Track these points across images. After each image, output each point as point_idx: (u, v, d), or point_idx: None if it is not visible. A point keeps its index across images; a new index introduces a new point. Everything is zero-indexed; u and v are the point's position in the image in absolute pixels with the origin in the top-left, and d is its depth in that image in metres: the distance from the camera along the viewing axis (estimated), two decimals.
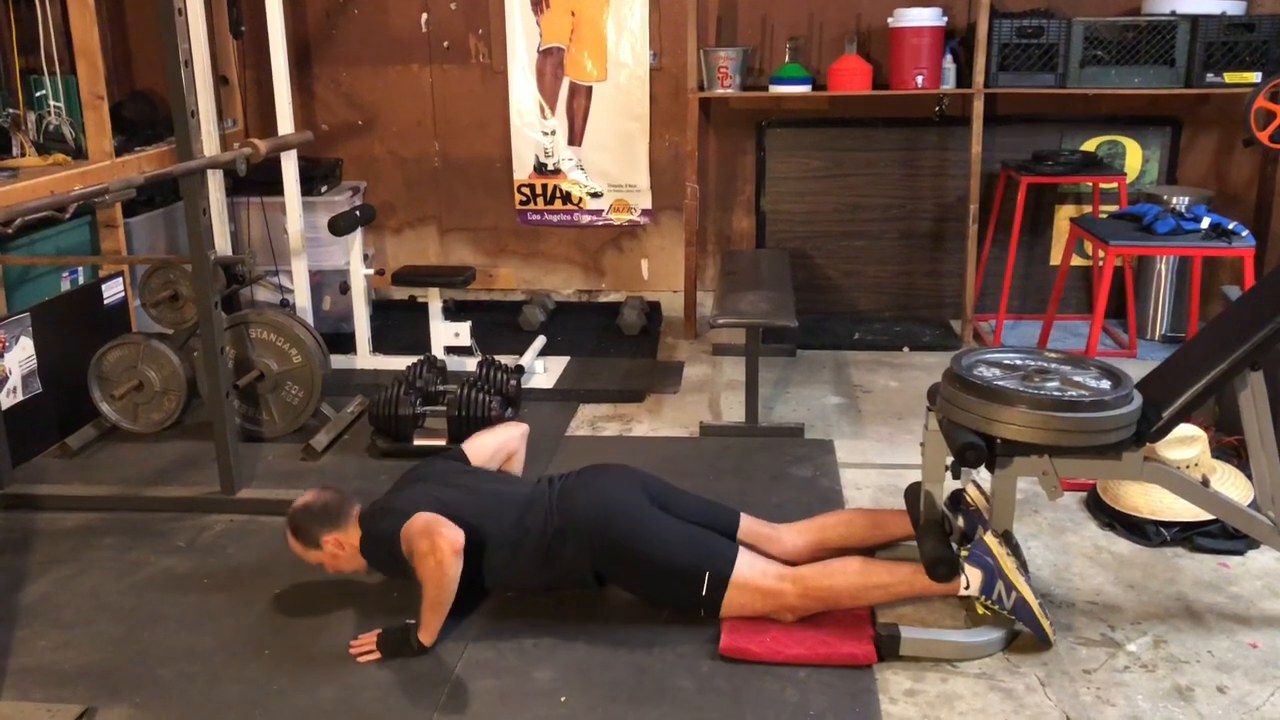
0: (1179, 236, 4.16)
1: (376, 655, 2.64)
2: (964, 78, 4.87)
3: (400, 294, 5.50)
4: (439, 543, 2.58)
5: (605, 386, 4.45)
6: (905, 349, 4.91)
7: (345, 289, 4.77)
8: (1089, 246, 4.92)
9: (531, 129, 5.44)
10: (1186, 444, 3.14)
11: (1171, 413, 2.61)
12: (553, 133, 5.44)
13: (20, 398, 3.76)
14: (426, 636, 2.65)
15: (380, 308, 5.44)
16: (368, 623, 2.79)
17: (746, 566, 2.67)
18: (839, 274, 5.43)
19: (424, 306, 4.55)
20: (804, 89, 4.93)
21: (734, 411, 4.17)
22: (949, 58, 4.86)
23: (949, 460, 2.67)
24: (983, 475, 2.81)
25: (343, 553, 2.81)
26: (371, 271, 4.72)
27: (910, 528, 2.86)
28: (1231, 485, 3.18)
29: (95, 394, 3.95)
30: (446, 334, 4.52)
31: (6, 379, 3.69)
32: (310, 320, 4.30)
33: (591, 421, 4.17)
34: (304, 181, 4.52)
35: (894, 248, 5.36)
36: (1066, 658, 2.59)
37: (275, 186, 4.46)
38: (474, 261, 5.62)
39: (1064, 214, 5.23)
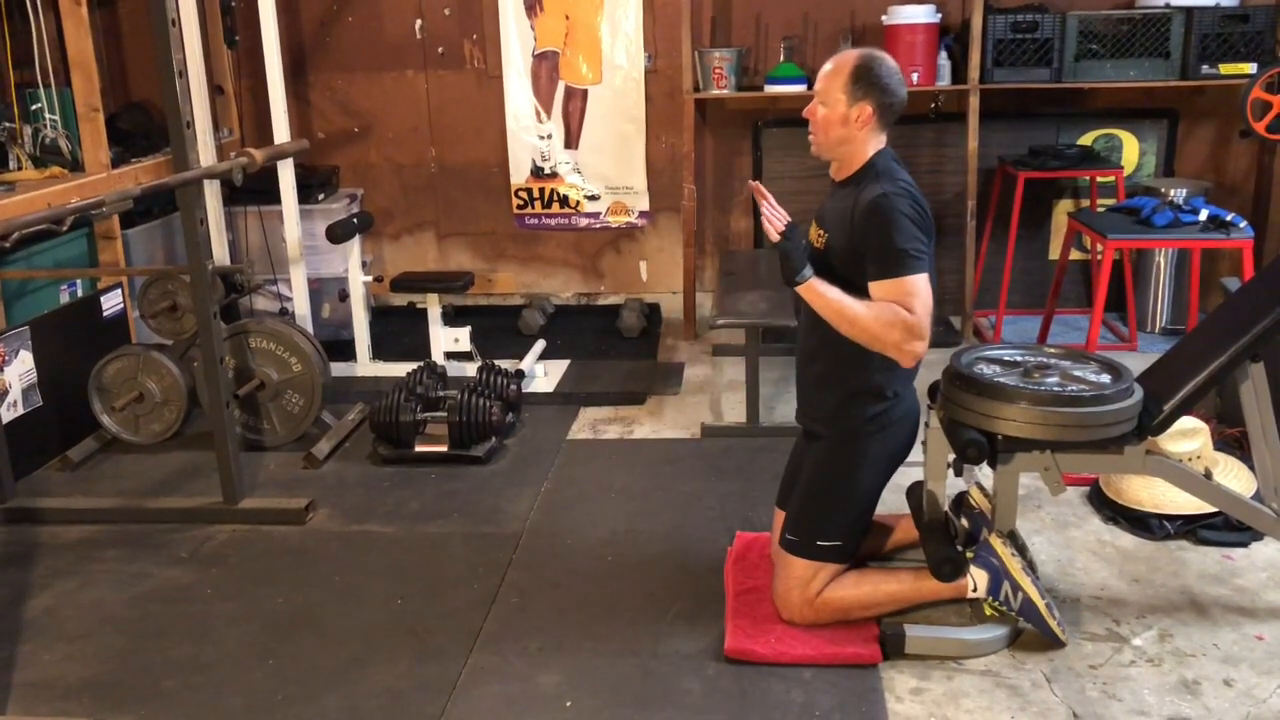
0: (1177, 229, 4.16)
1: (776, 235, 2.50)
2: (959, 74, 4.87)
3: (399, 300, 5.51)
4: (918, 347, 2.46)
5: (606, 389, 4.45)
6: None
7: (344, 296, 4.76)
8: (1087, 240, 4.92)
9: (528, 133, 5.44)
10: (1188, 437, 3.14)
11: (1173, 406, 2.60)
12: (549, 136, 5.44)
13: (21, 411, 3.76)
14: (808, 293, 2.50)
15: (379, 314, 5.44)
16: (371, 633, 2.79)
17: (838, 570, 2.69)
18: None
19: (423, 312, 4.55)
20: (800, 88, 4.93)
21: (735, 412, 4.17)
22: (944, 54, 4.86)
23: (951, 458, 2.66)
24: (985, 474, 2.80)
25: (854, 131, 2.55)
26: (370, 278, 4.71)
27: (914, 532, 2.86)
28: (1234, 477, 3.18)
29: (96, 406, 3.95)
30: (446, 339, 4.52)
31: (7, 393, 3.69)
32: (310, 328, 4.30)
33: (593, 424, 4.17)
34: (301, 190, 4.51)
35: None
36: (1072, 653, 2.58)
37: (272, 195, 4.46)
38: (472, 266, 5.62)
39: (1062, 208, 5.22)
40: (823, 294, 2.50)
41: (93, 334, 4.09)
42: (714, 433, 4.00)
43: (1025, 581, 2.56)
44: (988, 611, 2.63)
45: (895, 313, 2.44)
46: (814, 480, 2.70)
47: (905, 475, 3.30)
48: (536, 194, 5.52)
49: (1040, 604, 2.55)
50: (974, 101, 4.77)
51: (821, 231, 2.67)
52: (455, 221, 5.66)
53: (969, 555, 2.64)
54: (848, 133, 2.57)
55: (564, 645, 2.69)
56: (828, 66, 2.59)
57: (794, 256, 2.50)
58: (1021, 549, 2.67)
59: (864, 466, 2.66)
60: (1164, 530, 3.10)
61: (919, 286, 2.45)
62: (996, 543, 2.61)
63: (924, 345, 2.47)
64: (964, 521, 2.80)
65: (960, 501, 2.88)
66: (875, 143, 2.59)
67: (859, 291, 2.51)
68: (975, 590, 2.61)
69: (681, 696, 2.47)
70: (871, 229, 2.48)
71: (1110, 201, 4.88)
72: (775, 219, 2.53)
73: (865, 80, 2.53)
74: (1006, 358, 2.79)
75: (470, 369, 4.41)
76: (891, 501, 3.34)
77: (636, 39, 5.26)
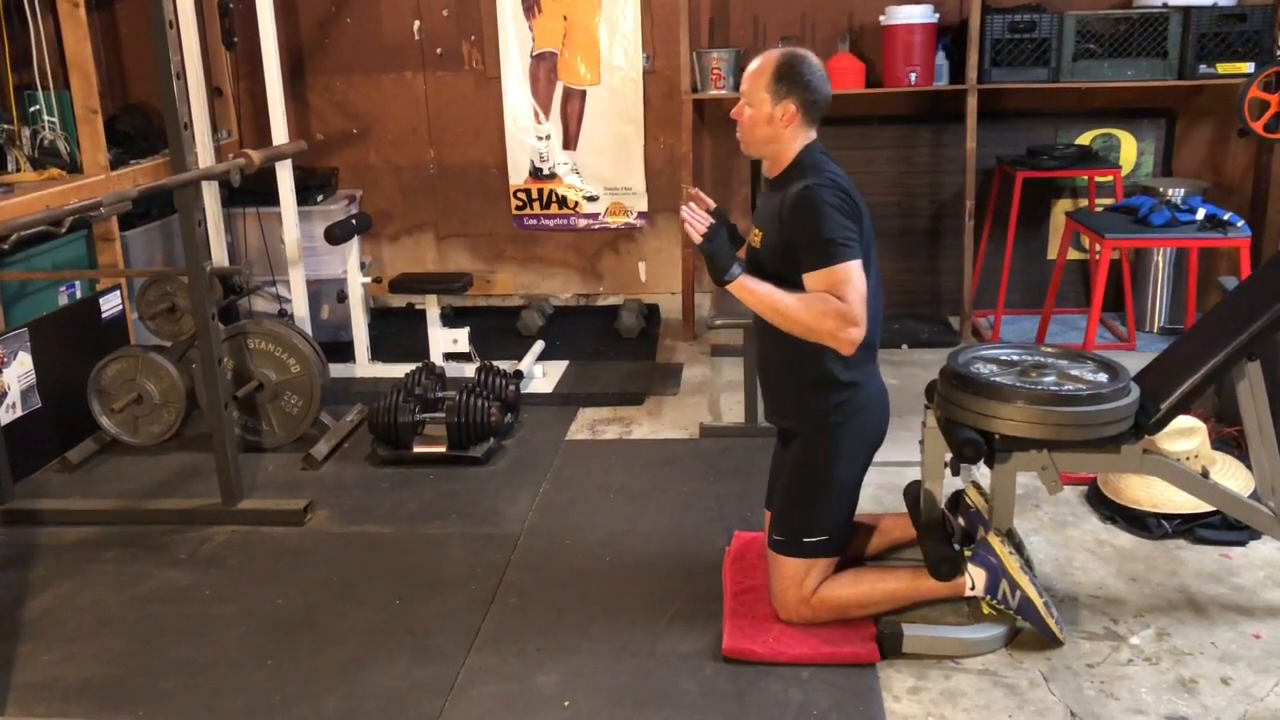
0: (1175, 228, 4.16)
1: (698, 237, 2.51)
2: (957, 74, 4.87)
3: (398, 301, 5.51)
4: (853, 334, 2.44)
5: (605, 390, 4.45)
6: (903, 346, 4.91)
7: (343, 298, 4.77)
8: (1085, 240, 4.92)
9: (526, 134, 5.44)
10: (1186, 435, 3.14)
11: (1170, 404, 2.61)
12: (547, 137, 5.44)
13: (20, 413, 3.76)
14: (739, 291, 2.50)
15: (378, 315, 5.44)
16: (370, 633, 2.79)
17: (830, 565, 2.69)
18: None
19: (422, 313, 4.55)
20: None
21: (734, 412, 4.17)
22: (941, 54, 4.86)
23: (948, 457, 2.67)
24: (982, 473, 2.81)
25: (779, 128, 2.58)
26: (369, 280, 4.72)
27: (911, 530, 2.86)
28: (1231, 476, 3.18)
29: (94, 408, 3.96)
30: (445, 340, 4.52)
31: (6, 394, 3.69)
32: (308, 330, 4.30)
33: (591, 425, 4.17)
34: (299, 191, 4.52)
35: (891, 245, 5.35)
36: (1069, 652, 2.58)
37: (271, 197, 4.46)
38: (471, 267, 5.62)
39: (1060, 208, 5.22)
40: (754, 290, 2.51)
41: (91, 336, 4.09)
42: (712, 433, 4.00)
43: (1023, 580, 2.56)
44: (985, 610, 2.63)
45: (827, 302, 2.45)
46: (792, 478, 2.70)
47: (902, 475, 3.31)
48: (535, 195, 5.52)
49: (1038, 602, 2.56)
50: (972, 102, 4.77)
51: (757, 231, 2.70)
52: (454, 223, 5.66)
53: (967, 554, 2.65)
54: (773, 131, 2.59)
55: (562, 645, 2.69)
56: (752, 67, 2.62)
57: (719, 256, 2.52)
58: (1019, 547, 2.68)
59: (839, 457, 2.65)
60: (1162, 529, 3.10)
61: (850, 274, 2.45)
62: (994, 541, 2.61)
63: (860, 331, 2.47)
64: (960, 520, 2.81)
65: (957, 500, 2.88)
66: (802, 139, 2.61)
67: (797, 287, 2.51)
68: (973, 589, 2.62)
69: (679, 696, 2.48)
70: (799, 222, 2.50)
71: (1108, 201, 4.89)
72: (695, 222, 2.55)
73: (788, 79, 2.56)
74: (1004, 357, 2.79)
75: (469, 370, 4.41)
76: (890, 502, 3.35)
77: (634, 40, 5.27)
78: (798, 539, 2.65)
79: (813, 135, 2.62)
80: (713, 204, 2.75)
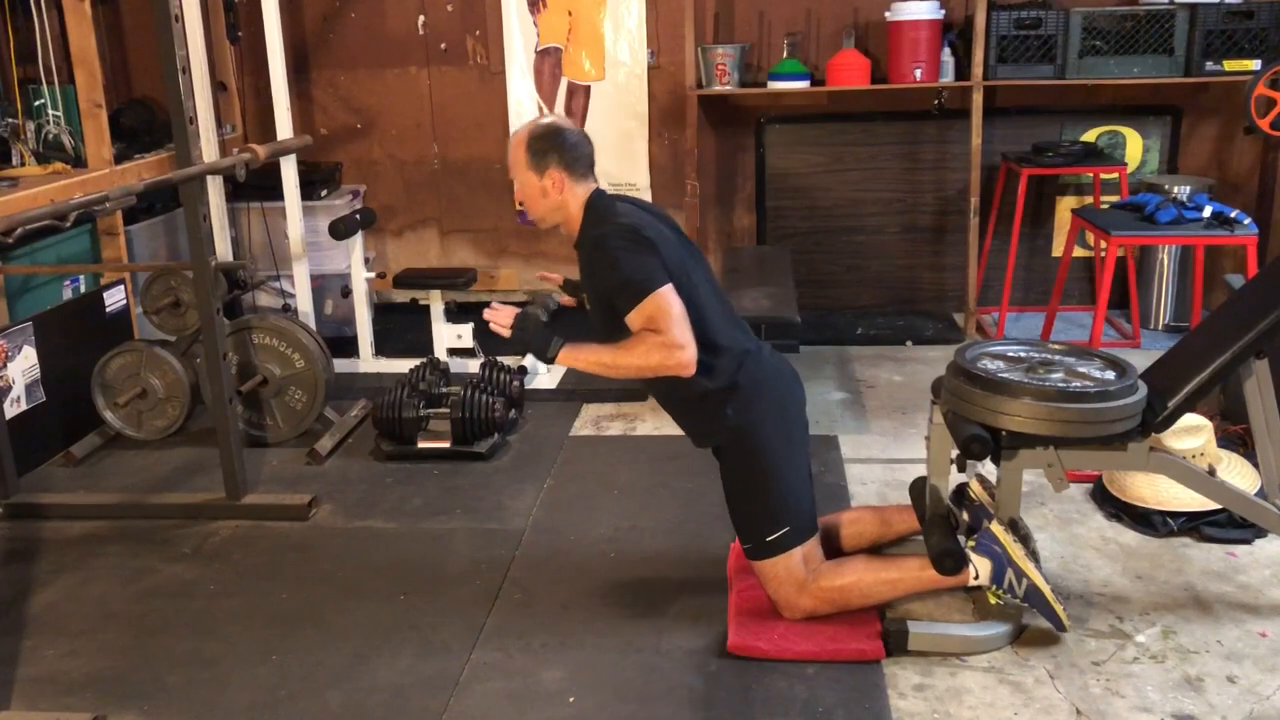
0: (1181, 226, 4.15)
1: (506, 332, 2.59)
2: (962, 70, 4.86)
3: (402, 297, 5.50)
4: (681, 357, 2.46)
5: (608, 386, 4.43)
6: (908, 342, 4.90)
7: (347, 293, 4.77)
8: (1091, 237, 4.91)
9: None
10: (1192, 433, 3.13)
11: (1177, 402, 2.60)
12: None
13: (24, 407, 3.76)
14: (568, 359, 2.56)
15: (382, 311, 5.44)
16: (374, 629, 2.79)
17: (810, 547, 2.68)
18: (841, 269, 5.42)
19: (426, 309, 4.55)
20: (802, 85, 4.92)
21: None
22: (947, 51, 4.85)
23: (954, 453, 2.66)
24: (987, 468, 2.80)
25: (556, 196, 2.63)
26: (373, 275, 4.71)
27: (917, 523, 2.86)
28: (1238, 474, 3.18)
29: (99, 402, 3.96)
30: (449, 336, 4.51)
31: (10, 388, 3.69)
32: (312, 325, 4.30)
33: (595, 421, 4.17)
34: (304, 186, 4.51)
35: (895, 242, 5.36)
36: (1075, 650, 2.58)
37: (275, 192, 4.46)
38: (475, 263, 5.62)
39: (1065, 205, 5.21)
40: (580, 357, 2.57)
41: (96, 330, 4.09)
42: None
43: (1028, 568, 2.55)
44: (991, 600, 2.62)
45: (644, 339, 2.49)
46: (731, 489, 2.71)
47: (907, 471, 3.31)
48: None
49: (1045, 590, 2.55)
50: (977, 98, 4.76)
51: (582, 294, 2.80)
52: (458, 218, 5.66)
53: (970, 545, 2.64)
54: (552, 201, 2.65)
55: (567, 641, 2.69)
56: (509, 154, 2.69)
57: (534, 341, 2.59)
58: (1025, 538, 2.66)
59: (762, 451, 2.65)
60: (1167, 527, 3.09)
61: (660, 302, 2.47)
62: (997, 530, 2.60)
63: (688, 352, 2.48)
64: (965, 515, 2.80)
65: (961, 493, 2.88)
66: (581, 195, 2.66)
67: (629, 333, 2.54)
68: (977, 578, 2.61)
69: (684, 692, 2.47)
70: (600, 274, 2.58)
71: (1114, 198, 4.87)
72: (499, 320, 2.62)
73: (541, 150, 2.62)
74: (1011, 353, 2.79)
75: (473, 365, 4.41)
76: (895, 499, 3.35)
77: (639, 35, 5.26)
78: (762, 541, 2.66)
79: (591, 185, 2.68)
80: (560, 278, 2.91)
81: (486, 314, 2.65)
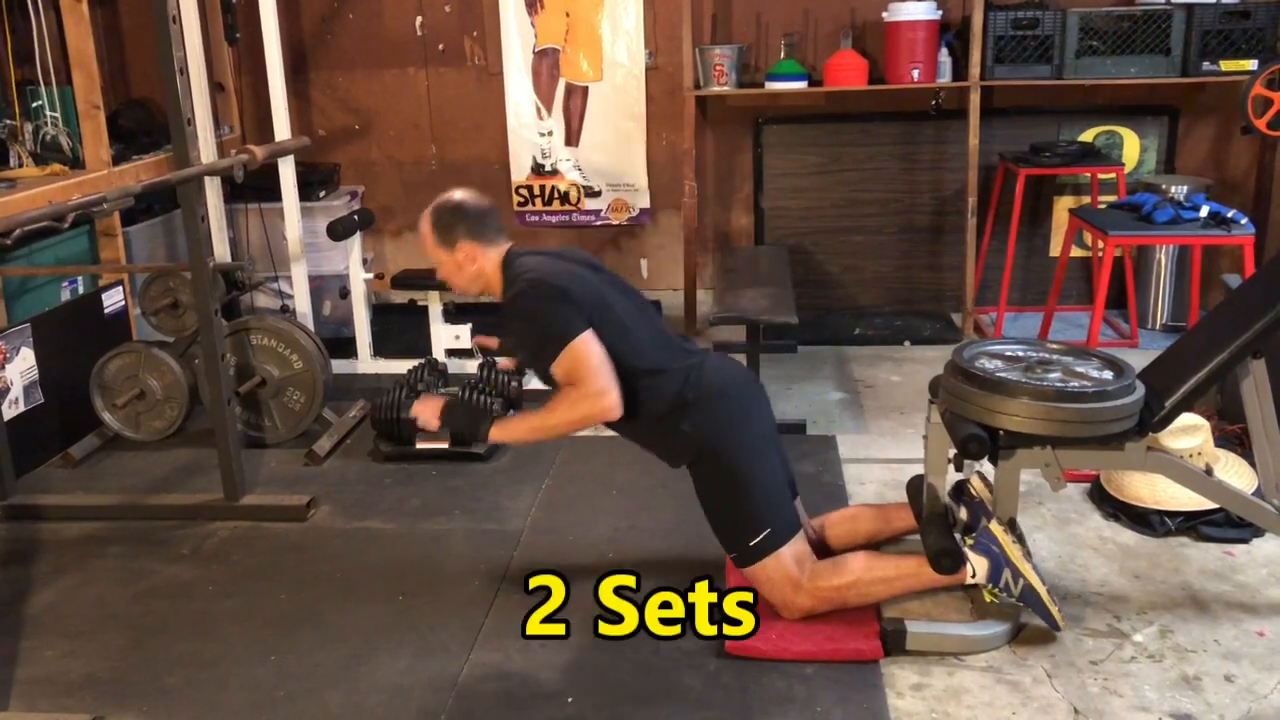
0: (1178, 225, 4.16)
1: (435, 424, 2.65)
2: (960, 71, 4.87)
3: (400, 298, 5.49)
4: (604, 403, 2.51)
5: None
6: (905, 343, 4.91)
7: (345, 294, 4.76)
8: (1088, 237, 4.91)
9: (528, 130, 5.44)
10: (1189, 433, 3.14)
11: (1174, 402, 2.61)
12: (550, 133, 5.43)
13: (22, 408, 3.76)
14: (500, 435, 2.66)
15: (380, 312, 5.43)
16: (373, 629, 2.79)
17: (797, 545, 2.68)
18: (839, 269, 5.42)
19: (424, 310, 4.54)
20: (800, 85, 4.93)
21: None
22: (944, 51, 4.85)
23: (952, 453, 2.66)
24: (985, 467, 2.80)
25: (471, 267, 2.71)
26: (371, 275, 4.71)
27: (915, 521, 2.86)
28: (1235, 474, 3.18)
29: (97, 403, 3.96)
30: (447, 337, 4.51)
31: (8, 390, 3.69)
32: (311, 325, 4.29)
33: None
34: (302, 187, 4.51)
35: (893, 242, 5.36)
36: (1073, 649, 2.58)
37: (273, 193, 4.45)
38: None
39: (1063, 205, 5.22)
40: (512, 431, 2.69)
41: (94, 331, 4.09)
42: None
43: (1025, 568, 2.56)
44: (988, 599, 2.63)
45: (566, 396, 2.56)
46: (707, 502, 2.72)
47: (905, 471, 3.30)
48: (537, 191, 5.51)
49: (1041, 589, 2.56)
50: (975, 98, 4.77)
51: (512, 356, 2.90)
52: None
53: (968, 542, 2.64)
54: (468, 272, 2.73)
55: (564, 641, 2.69)
56: (422, 238, 2.78)
57: (465, 429, 2.67)
58: (1020, 538, 2.67)
59: (730, 459, 2.65)
60: (1165, 526, 3.10)
61: (578, 351, 2.52)
62: (996, 529, 2.61)
63: (610, 398, 2.52)
64: (963, 512, 2.80)
65: (959, 490, 2.88)
66: (494, 258, 2.72)
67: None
68: (974, 576, 2.61)
69: (683, 693, 2.48)
70: (520, 331, 2.71)
71: (1111, 198, 4.88)
72: (425, 415, 2.70)
73: (446, 226, 2.71)
74: (1009, 353, 2.79)
75: (471, 366, 4.41)
76: (894, 499, 3.35)
77: (637, 36, 5.26)
78: (746, 547, 2.66)
79: (503, 247, 2.74)
80: (496, 343, 3.00)
81: (414, 409, 2.73)
